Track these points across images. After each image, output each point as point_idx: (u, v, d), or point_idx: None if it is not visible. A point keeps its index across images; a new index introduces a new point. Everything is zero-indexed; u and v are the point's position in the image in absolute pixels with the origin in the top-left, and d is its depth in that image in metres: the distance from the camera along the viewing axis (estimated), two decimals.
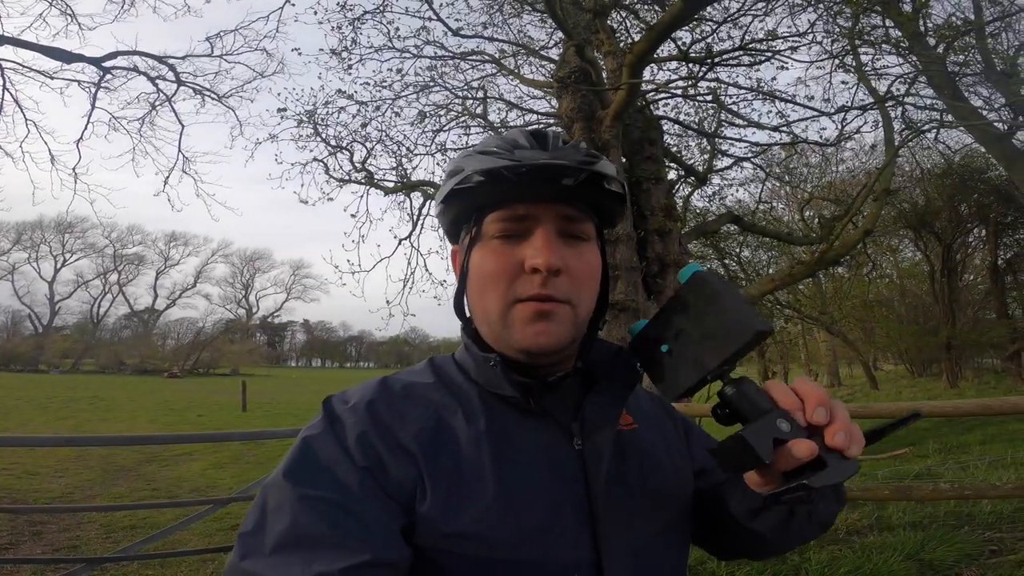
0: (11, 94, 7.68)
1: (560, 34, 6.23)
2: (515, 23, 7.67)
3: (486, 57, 7.10)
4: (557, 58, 6.85)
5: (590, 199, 0.62)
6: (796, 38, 5.40)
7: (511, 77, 7.40)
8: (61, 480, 6.42)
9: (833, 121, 6.19)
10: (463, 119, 7.59)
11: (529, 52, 7.41)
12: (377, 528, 0.50)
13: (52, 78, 7.89)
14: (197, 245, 74.43)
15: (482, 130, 7.60)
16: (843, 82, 6.18)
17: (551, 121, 7.86)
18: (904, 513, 3.99)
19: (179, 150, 8.83)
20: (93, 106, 8.19)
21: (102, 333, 65.33)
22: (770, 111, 6.38)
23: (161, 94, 8.49)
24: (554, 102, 7.09)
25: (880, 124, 6.37)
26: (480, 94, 7.55)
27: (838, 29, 5.56)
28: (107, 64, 8.03)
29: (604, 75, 5.86)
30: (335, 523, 0.49)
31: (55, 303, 64.91)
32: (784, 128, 6.45)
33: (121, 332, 67.77)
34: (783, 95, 6.30)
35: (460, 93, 7.44)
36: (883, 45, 6.21)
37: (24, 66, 7.65)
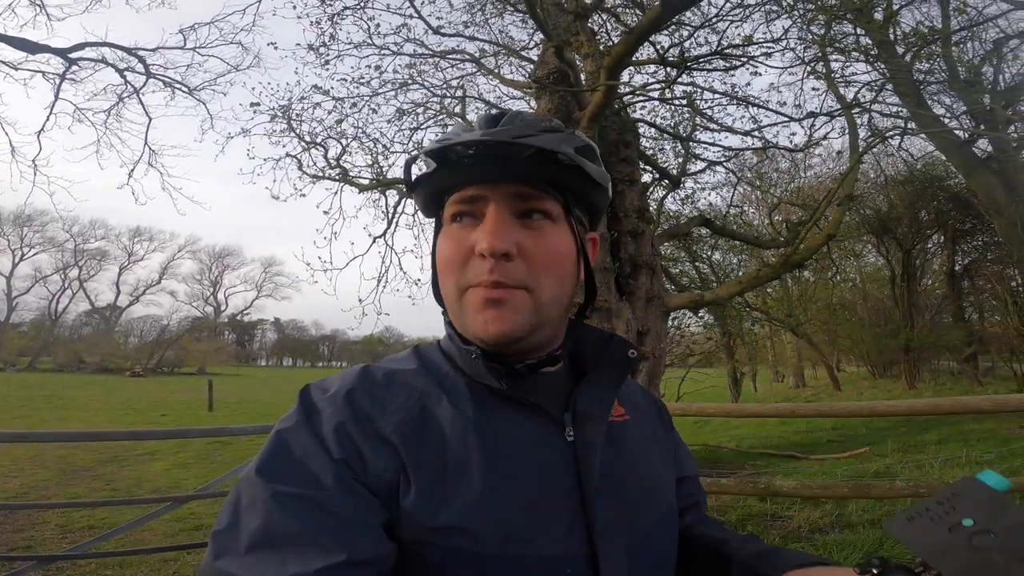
0: None
1: (540, 35, 6.24)
2: (496, 23, 7.68)
3: (466, 56, 7.08)
4: (536, 59, 6.87)
5: (548, 176, 0.58)
6: (771, 44, 5.50)
7: (490, 77, 7.40)
8: (15, 480, 6.22)
9: (803, 127, 6.36)
10: (441, 118, 7.56)
11: (509, 52, 7.42)
12: (354, 525, 0.48)
13: (16, 69, 7.70)
14: (163, 240, 72.15)
15: (461, 131, 7.59)
16: (814, 88, 6.43)
17: None
18: (863, 511, 4.11)
19: (146, 143, 8.63)
20: (57, 97, 8.01)
21: (61, 330, 62.92)
22: (743, 116, 6.55)
23: (129, 86, 8.31)
24: (533, 103, 7.11)
25: (847, 130, 6.58)
26: (459, 93, 7.53)
27: (811, 36, 5.71)
28: (74, 55, 7.87)
29: (582, 77, 5.90)
30: (309, 521, 0.47)
31: (12, 299, 62.07)
32: (756, 133, 6.59)
33: (81, 329, 65.44)
34: (756, 100, 6.44)
35: (439, 92, 7.40)
36: (853, 52, 6.41)
37: None
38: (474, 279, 0.56)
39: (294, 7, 6.49)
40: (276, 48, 6.97)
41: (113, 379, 33.90)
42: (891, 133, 7.45)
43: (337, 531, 0.47)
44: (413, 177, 0.62)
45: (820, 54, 6.08)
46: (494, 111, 0.64)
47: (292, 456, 0.52)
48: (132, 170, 8.51)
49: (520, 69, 7.82)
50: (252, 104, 7.19)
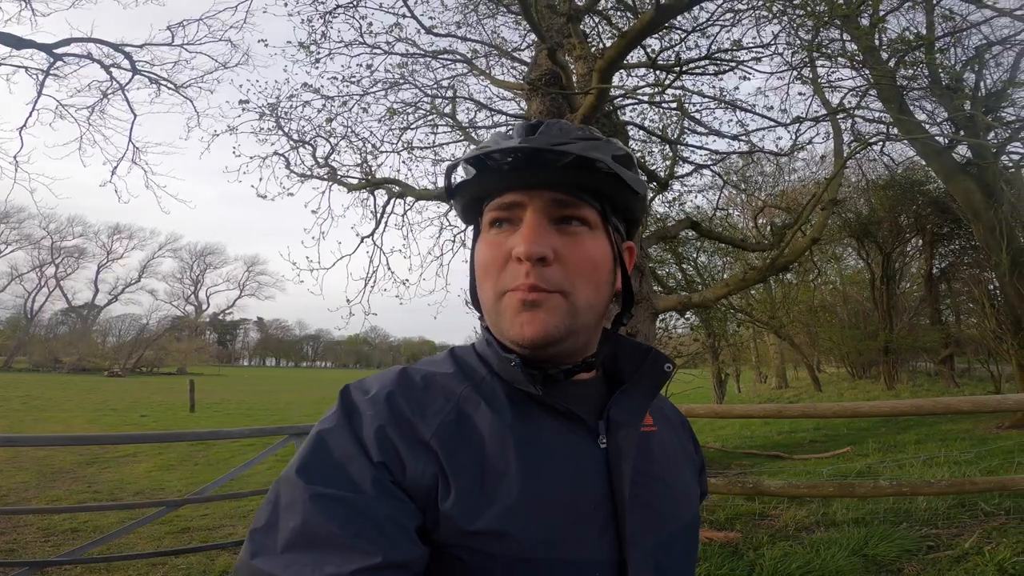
0: None
1: (533, 36, 6.25)
2: (489, 24, 7.66)
3: (458, 56, 7.07)
4: (529, 60, 6.88)
5: (585, 183, 0.60)
6: (760, 49, 5.57)
7: (482, 78, 7.39)
8: None
9: (788, 131, 6.43)
10: (431, 118, 7.52)
11: (501, 53, 7.40)
12: (390, 528, 0.49)
13: (0, 63, 7.56)
14: (143, 238, 71.20)
15: (450, 129, 7.56)
16: (800, 93, 6.51)
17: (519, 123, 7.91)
18: (848, 509, 4.19)
19: (130, 140, 8.55)
20: (40, 93, 7.90)
21: (36, 329, 61.29)
22: (731, 120, 6.61)
23: (115, 82, 8.22)
24: (524, 104, 7.12)
25: (831, 135, 6.69)
26: (450, 93, 7.49)
27: (799, 41, 5.78)
28: (59, 51, 7.76)
29: (574, 79, 5.93)
30: (347, 523, 0.48)
31: None
32: (743, 137, 6.67)
33: (57, 328, 63.88)
34: (744, 104, 6.51)
35: (430, 92, 7.37)
36: (839, 58, 6.52)
37: None
38: (511, 283, 0.58)
39: (285, 4, 6.43)
40: (267, 46, 6.84)
41: (91, 379, 33.23)
42: (874, 139, 7.59)
43: (374, 534, 0.48)
44: (453, 184, 0.64)
45: (807, 59, 6.17)
46: (532, 120, 0.63)
47: (332, 457, 0.52)
48: (116, 167, 8.41)
49: (512, 70, 7.83)
50: (241, 102, 7.11)
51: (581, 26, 6.37)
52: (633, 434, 0.60)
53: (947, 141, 9.42)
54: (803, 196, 10.19)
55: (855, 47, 7.06)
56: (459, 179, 0.63)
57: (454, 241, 7.66)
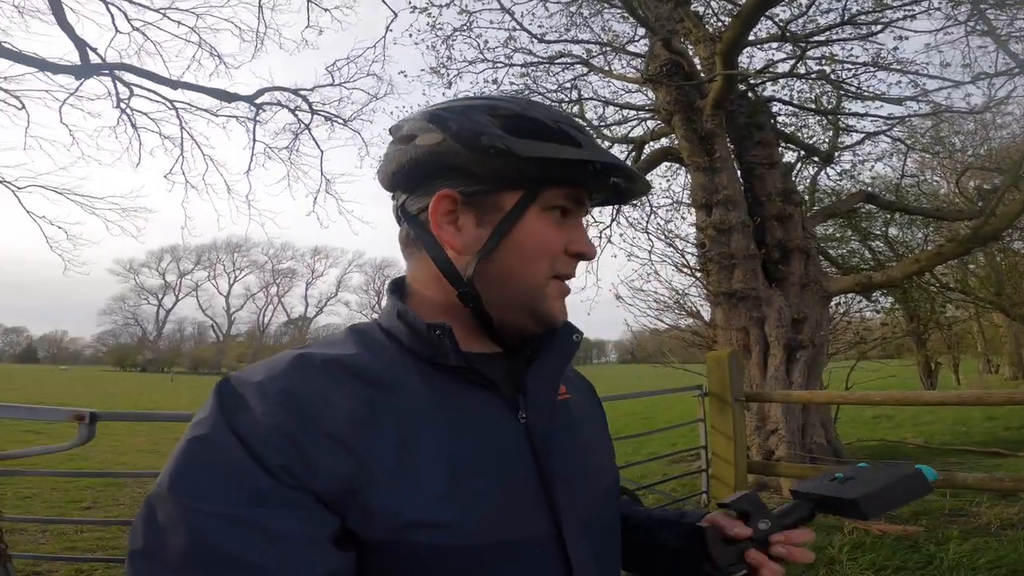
0: (187, 132, 8.91)
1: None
2: (596, 21, 7.69)
3: (574, 58, 7.27)
4: (646, 49, 6.81)
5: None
6: (911, 6, 4.85)
7: (602, 75, 7.50)
8: None
9: (978, 87, 5.48)
10: None
11: (615, 50, 7.36)
12: (300, 545, 0.44)
13: (216, 115, 8.99)
14: (336, 257, 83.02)
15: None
16: (980, 47, 5.37)
17: (648, 115, 7.82)
18: None
19: (321, 173, 9.84)
20: (254, 140, 9.24)
21: (267, 339, 75.61)
22: (899, 81, 5.80)
23: (300, 123, 9.36)
24: (650, 93, 7.06)
25: None
26: (574, 94, 7.69)
27: None
28: (258, 101, 8.98)
29: (697, 62, 5.75)
30: (248, 544, 0.43)
31: (231, 314, 76.40)
32: (921, 97, 5.84)
33: (281, 338, 77.66)
34: (906, 67, 5.70)
35: (555, 96, 7.59)
36: (1014, 6, 5.37)
37: (193, 106, 8.80)
38: (564, 271, 0.62)
39: (410, 36, 7.21)
40: (406, 76, 7.70)
41: None
42: None
43: (282, 554, 0.43)
44: (559, 156, 0.58)
45: (974, 10, 5.20)
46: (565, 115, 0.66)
47: (215, 467, 0.45)
48: (316, 198, 9.76)
49: (631, 63, 7.77)
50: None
51: (692, 7, 6.13)
52: (551, 406, 0.60)
53: None
54: (1016, 153, 8.48)
55: None
56: (568, 155, 0.58)
57: (600, 237, 7.81)
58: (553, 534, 0.55)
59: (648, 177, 6.57)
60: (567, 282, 0.63)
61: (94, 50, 7.33)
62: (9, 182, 8.21)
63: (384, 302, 0.65)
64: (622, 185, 0.63)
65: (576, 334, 0.64)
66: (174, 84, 8.17)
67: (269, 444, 0.46)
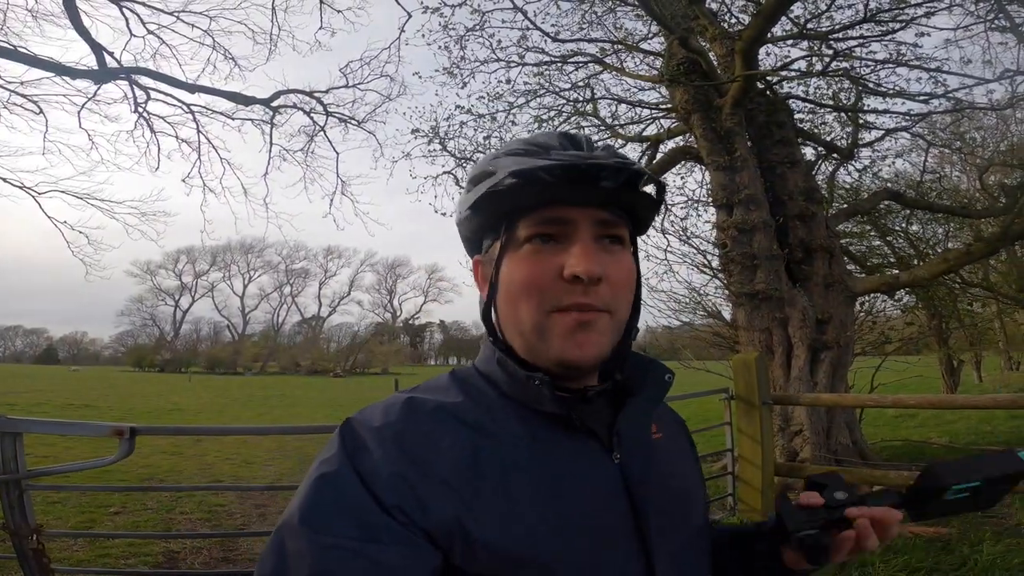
0: (204, 135, 8.98)
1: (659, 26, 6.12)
2: (610, 19, 7.62)
3: (588, 57, 7.22)
4: (660, 47, 6.73)
5: (625, 203, 0.60)
6: (931, 3, 4.76)
7: (615, 73, 7.44)
8: (270, 468, 7.48)
9: (1001, 84, 5.37)
10: (575, 119, 7.71)
11: (628, 48, 7.30)
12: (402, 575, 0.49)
13: (232, 119, 9.03)
14: (348, 257, 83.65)
15: (596, 129, 7.69)
16: (1001, 43, 5.23)
17: (662, 114, 7.76)
18: None
19: (337, 175, 9.88)
20: (270, 143, 9.27)
21: (281, 339, 76.31)
22: (919, 78, 5.68)
23: (316, 125, 9.38)
24: (663, 91, 7.00)
25: None
26: (588, 93, 7.64)
27: None
28: (274, 104, 9.01)
29: (714, 60, 5.67)
30: (360, 573, 0.47)
31: (246, 314, 77.29)
32: (941, 94, 5.73)
33: (295, 338, 78.57)
34: (926, 64, 5.61)
35: (568, 95, 7.58)
36: None
37: (210, 109, 8.85)
38: (563, 302, 0.57)
39: (423, 36, 7.23)
40: (420, 77, 7.69)
41: (321, 379, 39.92)
42: None
43: None
44: (480, 193, 0.60)
45: (995, 7, 5.08)
46: (559, 131, 0.66)
47: (338, 503, 0.50)
48: (332, 199, 9.79)
49: (644, 61, 7.70)
50: (413, 130, 7.94)
51: (708, 2, 6.05)
52: (644, 447, 0.62)
53: None
54: None
55: None
56: (493, 188, 0.58)
57: None
58: (645, 570, 0.57)
59: (662, 177, 6.49)
60: (581, 310, 0.57)
61: (111, 54, 7.40)
62: (30, 188, 8.28)
63: (482, 348, 0.67)
64: (612, 185, 0.58)
65: (668, 374, 0.66)
66: (191, 88, 8.23)
67: (386, 485, 0.51)
